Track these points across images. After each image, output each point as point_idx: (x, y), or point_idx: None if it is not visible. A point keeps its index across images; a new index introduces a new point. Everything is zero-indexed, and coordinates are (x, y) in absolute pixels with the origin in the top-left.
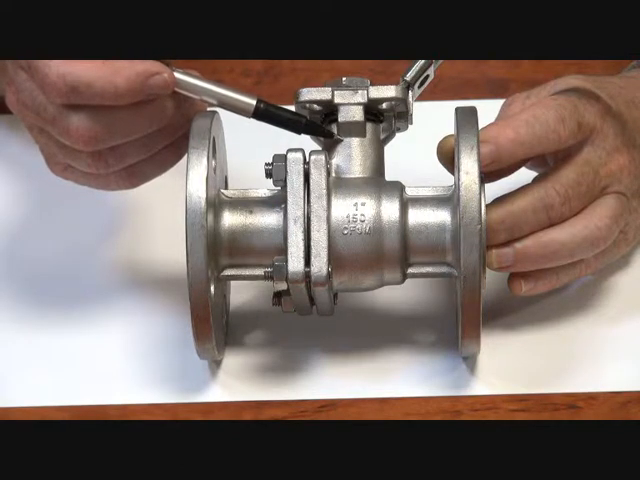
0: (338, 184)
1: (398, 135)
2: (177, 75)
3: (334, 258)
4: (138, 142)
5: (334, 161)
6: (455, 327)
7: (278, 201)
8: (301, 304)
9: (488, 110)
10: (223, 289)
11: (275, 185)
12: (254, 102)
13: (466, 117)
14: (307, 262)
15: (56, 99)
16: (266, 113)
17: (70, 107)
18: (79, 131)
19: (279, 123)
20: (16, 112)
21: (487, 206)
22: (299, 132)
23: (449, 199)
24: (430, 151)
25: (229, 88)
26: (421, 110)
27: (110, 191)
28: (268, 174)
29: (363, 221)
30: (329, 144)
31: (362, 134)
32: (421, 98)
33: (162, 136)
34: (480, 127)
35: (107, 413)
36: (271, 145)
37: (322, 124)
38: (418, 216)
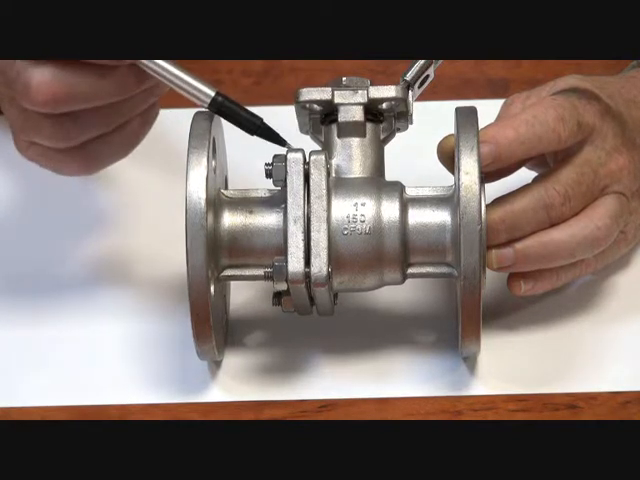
0: (338, 184)
1: (398, 135)
2: None
3: (334, 258)
4: (99, 113)
5: (334, 161)
6: (455, 327)
7: (278, 201)
8: (301, 304)
9: (488, 110)
10: (223, 289)
11: (275, 185)
12: (213, 93)
13: (466, 117)
14: (307, 262)
15: None
16: (221, 106)
17: (35, 62)
18: (40, 87)
19: (233, 120)
20: None
21: (487, 206)
22: (252, 133)
23: (449, 199)
24: (430, 151)
25: (193, 76)
26: (421, 110)
27: (68, 176)
28: (268, 174)
29: (363, 221)
30: (328, 144)
31: (362, 134)
32: (421, 98)
33: (123, 110)
34: (480, 127)
35: (107, 413)
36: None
37: (322, 124)
38: (418, 216)
